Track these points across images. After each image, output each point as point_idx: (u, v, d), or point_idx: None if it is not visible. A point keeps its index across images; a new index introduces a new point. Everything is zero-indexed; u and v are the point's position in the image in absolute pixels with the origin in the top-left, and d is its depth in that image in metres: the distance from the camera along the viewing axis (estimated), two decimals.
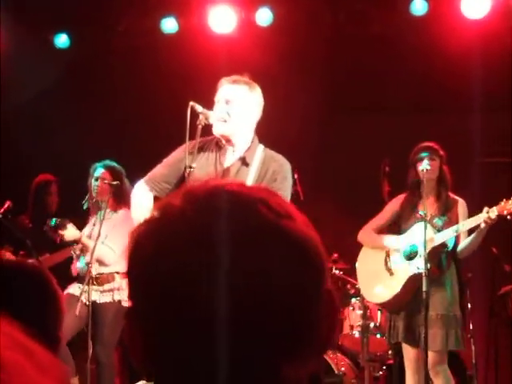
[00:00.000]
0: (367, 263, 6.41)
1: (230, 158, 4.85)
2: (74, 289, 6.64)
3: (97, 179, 6.78)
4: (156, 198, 4.89)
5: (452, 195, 6.22)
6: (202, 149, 4.87)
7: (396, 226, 6.37)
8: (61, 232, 6.59)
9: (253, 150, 4.85)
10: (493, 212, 5.73)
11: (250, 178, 4.72)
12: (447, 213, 6.12)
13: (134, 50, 8.85)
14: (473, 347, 6.96)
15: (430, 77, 8.22)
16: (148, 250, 1.05)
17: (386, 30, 8.26)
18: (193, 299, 1.01)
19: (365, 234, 6.42)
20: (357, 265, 6.55)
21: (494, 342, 7.81)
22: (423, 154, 6.14)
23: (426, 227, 5.86)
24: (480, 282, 7.37)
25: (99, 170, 6.82)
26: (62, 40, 8.93)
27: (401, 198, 6.36)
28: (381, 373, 7.41)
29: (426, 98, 8.66)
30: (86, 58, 8.92)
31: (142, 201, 4.91)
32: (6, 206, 7.44)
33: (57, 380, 0.87)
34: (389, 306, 6.24)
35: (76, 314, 6.19)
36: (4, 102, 8.38)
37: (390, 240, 6.27)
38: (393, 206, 6.39)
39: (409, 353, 6.10)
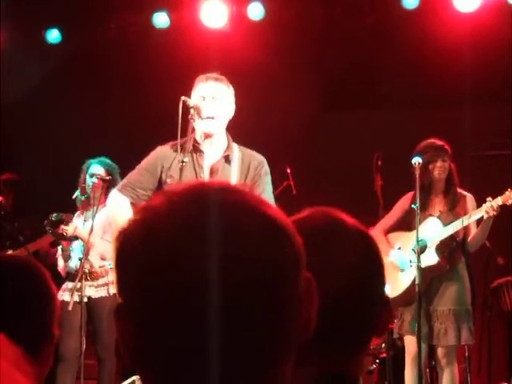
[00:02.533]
0: None
1: (210, 157, 4.87)
2: (68, 295, 6.56)
3: (92, 176, 6.75)
4: (133, 206, 4.83)
5: (460, 190, 6.23)
6: (176, 152, 4.84)
7: (406, 224, 6.37)
8: (64, 227, 6.55)
9: (231, 147, 4.89)
10: (497, 201, 5.76)
11: (233, 176, 4.76)
12: (455, 208, 6.14)
13: (125, 45, 8.83)
14: None
15: (423, 70, 8.22)
16: (136, 244, 1.06)
17: (378, 24, 8.26)
18: (183, 289, 1.02)
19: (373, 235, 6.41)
20: None
21: (487, 335, 7.83)
22: (435, 155, 6.15)
23: (418, 222, 5.88)
24: (473, 275, 7.38)
25: (94, 167, 6.79)
26: (53, 35, 8.91)
27: (409, 196, 6.34)
28: (374, 366, 7.42)
29: (419, 91, 8.66)
30: (77, 53, 8.89)
31: (119, 206, 4.88)
32: None
33: (9, 360, 0.88)
34: (399, 301, 6.23)
35: (69, 309, 6.19)
36: None
37: (394, 256, 6.25)
38: (402, 205, 6.38)
39: (410, 345, 6.11)
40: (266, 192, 4.74)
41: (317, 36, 8.56)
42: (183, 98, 4.76)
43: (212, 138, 4.85)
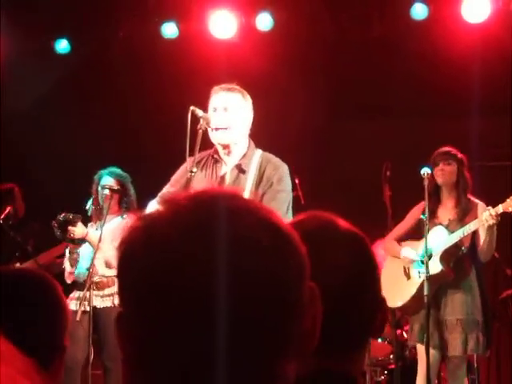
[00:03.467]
0: (389, 270, 6.40)
1: (225, 167, 4.88)
2: (75, 304, 6.56)
3: (103, 187, 6.74)
4: None
5: (472, 198, 6.21)
6: (199, 164, 4.88)
7: (418, 234, 6.36)
8: (71, 228, 6.50)
9: (249, 156, 4.87)
10: (497, 209, 5.75)
11: (248, 185, 4.73)
12: (465, 217, 6.11)
13: (134, 55, 8.85)
14: None
15: (431, 80, 8.21)
16: (138, 255, 1.06)
17: (387, 35, 8.26)
18: (187, 295, 1.01)
19: (386, 244, 6.45)
20: (382, 272, 6.53)
21: (495, 346, 7.81)
22: (438, 159, 6.17)
23: (427, 231, 5.88)
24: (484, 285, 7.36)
25: (106, 178, 6.78)
26: (62, 45, 8.93)
27: (421, 205, 6.33)
28: (382, 377, 7.40)
29: (427, 101, 8.66)
30: (86, 63, 8.92)
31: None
32: (6, 211, 7.44)
33: (18, 370, 0.88)
34: (407, 310, 6.25)
35: (77, 319, 6.18)
36: (4, 108, 8.38)
37: (406, 252, 6.27)
38: (414, 214, 6.37)
39: (423, 354, 6.09)
40: (276, 199, 4.68)
41: (325, 46, 8.56)
42: (192, 107, 4.77)
43: (230, 148, 4.86)
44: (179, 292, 1.02)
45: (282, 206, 4.67)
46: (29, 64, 8.51)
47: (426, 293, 5.77)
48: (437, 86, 8.24)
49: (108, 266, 6.58)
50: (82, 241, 6.60)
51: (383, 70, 8.46)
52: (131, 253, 1.07)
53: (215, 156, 4.91)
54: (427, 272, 5.81)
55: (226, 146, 4.86)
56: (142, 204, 5.46)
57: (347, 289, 1.58)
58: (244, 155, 4.87)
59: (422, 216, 5.99)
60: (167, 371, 1.04)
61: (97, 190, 6.81)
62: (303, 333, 1.10)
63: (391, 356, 7.21)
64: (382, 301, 1.70)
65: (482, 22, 7.88)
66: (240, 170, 4.83)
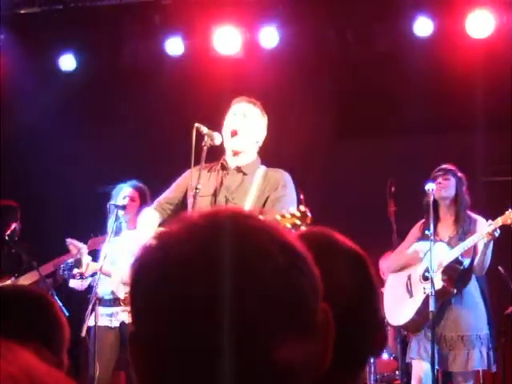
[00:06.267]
0: (392, 288, 6.36)
1: (229, 170, 5.03)
2: (103, 319, 6.54)
3: (124, 197, 6.72)
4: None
5: (471, 214, 6.19)
6: (208, 170, 5.01)
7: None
8: (78, 270, 6.52)
9: (253, 165, 5.02)
10: (496, 222, 5.74)
11: (252, 189, 4.87)
12: (466, 235, 6.08)
13: (139, 72, 8.87)
14: None
15: (435, 96, 8.22)
16: (154, 274, 1.05)
17: (392, 51, 8.27)
18: (205, 314, 1.01)
19: (389, 260, 6.41)
20: (384, 291, 6.47)
21: (501, 362, 7.77)
22: (436, 174, 6.17)
23: (431, 247, 5.84)
24: (488, 299, 7.34)
25: (128, 189, 6.76)
26: (66, 62, 8.95)
27: (420, 223, 6.33)
28: None
29: (431, 117, 8.66)
30: (91, 80, 8.93)
31: (147, 218, 5.16)
32: (12, 228, 7.45)
33: None
34: (409, 327, 6.20)
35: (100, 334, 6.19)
36: (9, 125, 8.40)
37: (419, 245, 6.22)
38: (414, 233, 6.37)
39: (414, 369, 6.07)
40: (281, 202, 4.86)
41: (330, 63, 8.58)
42: (197, 124, 4.81)
43: (239, 155, 5.00)
44: (197, 310, 1.01)
45: (285, 208, 4.73)
46: (33, 81, 8.53)
47: (431, 308, 5.74)
48: (442, 102, 8.24)
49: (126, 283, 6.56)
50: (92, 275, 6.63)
51: (388, 86, 8.47)
52: (147, 271, 1.07)
53: (223, 162, 5.01)
54: (433, 288, 5.78)
55: (236, 153, 4.97)
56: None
57: (349, 307, 1.55)
58: (248, 163, 5.01)
59: (426, 232, 5.96)
60: None
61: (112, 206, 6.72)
62: (315, 354, 1.10)
63: (397, 372, 7.19)
64: (382, 320, 1.67)
65: (487, 38, 7.89)
66: (241, 172, 4.97)
